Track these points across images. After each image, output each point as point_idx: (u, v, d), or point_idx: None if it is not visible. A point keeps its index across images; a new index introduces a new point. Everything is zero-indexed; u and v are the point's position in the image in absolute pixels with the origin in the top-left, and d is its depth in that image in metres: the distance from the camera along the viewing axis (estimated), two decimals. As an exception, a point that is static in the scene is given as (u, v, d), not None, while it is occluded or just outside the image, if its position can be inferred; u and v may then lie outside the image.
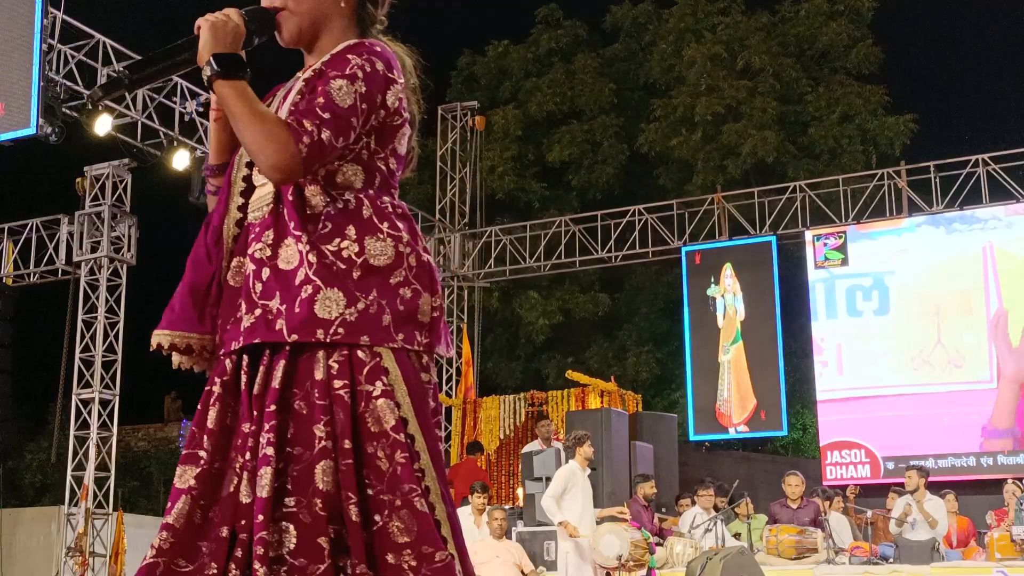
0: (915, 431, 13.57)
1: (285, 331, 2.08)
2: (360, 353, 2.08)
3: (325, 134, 2.07)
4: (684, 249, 15.42)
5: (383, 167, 2.22)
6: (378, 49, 2.20)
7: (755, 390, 14.67)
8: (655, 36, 20.78)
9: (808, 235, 14.67)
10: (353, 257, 2.10)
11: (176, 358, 2.25)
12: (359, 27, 2.31)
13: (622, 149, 20.58)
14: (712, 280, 15.11)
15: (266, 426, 2.06)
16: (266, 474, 2.03)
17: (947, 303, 13.76)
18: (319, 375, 2.07)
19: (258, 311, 2.13)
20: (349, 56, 2.16)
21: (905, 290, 14.03)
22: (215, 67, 2.09)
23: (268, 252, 2.15)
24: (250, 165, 2.27)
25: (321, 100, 2.09)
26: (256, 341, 2.11)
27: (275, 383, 2.08)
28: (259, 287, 2.14)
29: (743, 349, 14.83)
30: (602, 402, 13.82)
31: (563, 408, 14.13)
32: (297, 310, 2.07)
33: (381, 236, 2.13)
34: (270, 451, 2.04)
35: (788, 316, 15.31)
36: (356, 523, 2.02)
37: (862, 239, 14.40)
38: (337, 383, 2.07)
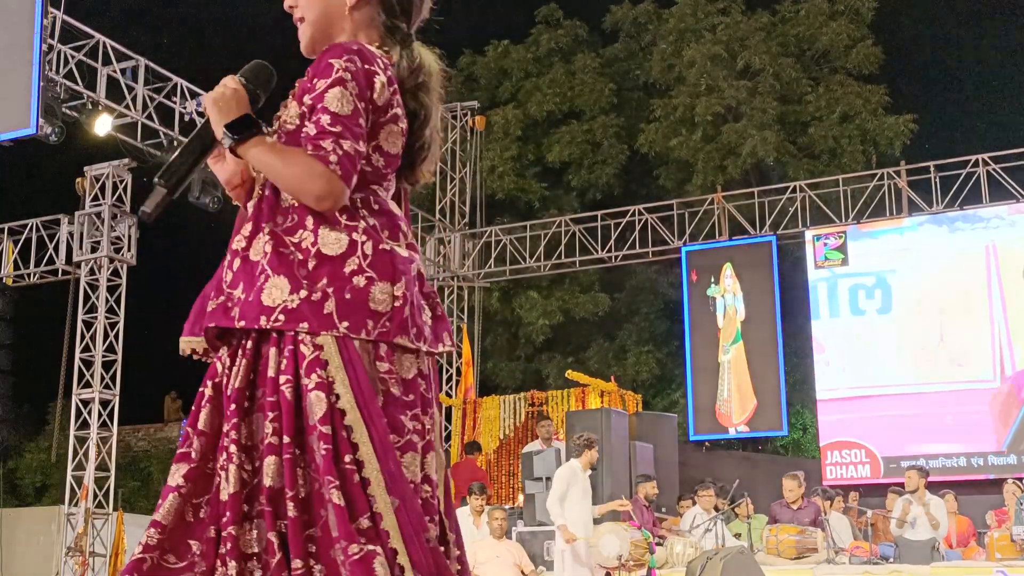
0: (916, 430, 13.56)
1: (236, 317, 2.14)
2: (303, 347, 2.11)
3: (347, 144, 2.12)
4: (684, 249, 15.42)
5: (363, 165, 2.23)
6: (354, 47, 2.22)
7: (755, 390, 14.67)
8: (655, 36, 20.75)
9: (808, 235, 14.67)
10: (309, 247, 2.15)
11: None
12: (374, 32, 2.34)
13: (622, 149, 20.56)
14: (712, 280, 15.11)
15: (228, 425, 2.12)
16: (231, 471, 2.08)
17: (950, 302, 13.74)
18: (271, 372, 2.12)
19: (222, 298, 2.19)
20: (331, 61, 2.19)
21: (908, 289, 14.01)
22: (230, 136, 2.17)
23: (243, 244, 2.20)
24: None
25: (327, 118, 2.13)
26: (211, 325, 2.18)
27: (237, 383, 2.14)
28: (229, 276, 2.20)
29: (743, 349, 14.83)
30: (602, 402, 13.81)
31: (563, 408, 14.12)
32: (250, 299, 2.13)
33: (338, 227, 2.16)
34: (233, 449, 2.10)
35: (788, 316, 15.29)
36: (292, 518, 2.05)
37: (864, 238, 14.39)
38: (283, 379, 2.11)
